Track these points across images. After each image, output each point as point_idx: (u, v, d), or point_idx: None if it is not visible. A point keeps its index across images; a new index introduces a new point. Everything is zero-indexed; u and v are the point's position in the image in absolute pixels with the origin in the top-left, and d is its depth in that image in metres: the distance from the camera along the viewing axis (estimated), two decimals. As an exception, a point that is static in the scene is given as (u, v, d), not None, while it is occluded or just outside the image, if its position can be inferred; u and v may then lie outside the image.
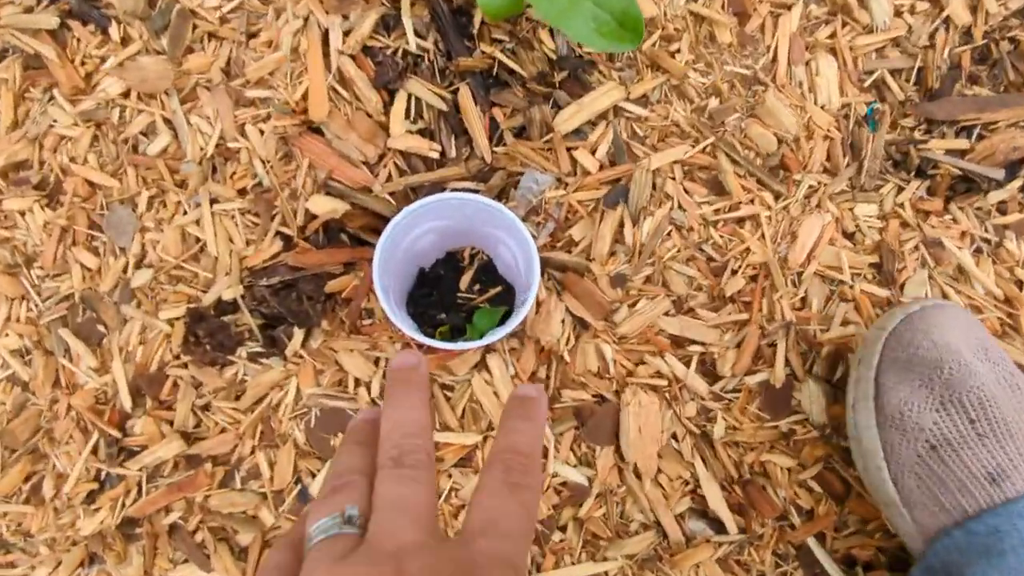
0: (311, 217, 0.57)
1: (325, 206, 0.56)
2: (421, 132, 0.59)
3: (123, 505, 0.57)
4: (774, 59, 0.59)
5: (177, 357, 0.57)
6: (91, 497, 0.57)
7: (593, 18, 0.52)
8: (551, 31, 0.60)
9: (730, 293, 0.57)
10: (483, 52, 0.59)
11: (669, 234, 0.57)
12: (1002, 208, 0.58)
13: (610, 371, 0.57)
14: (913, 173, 0.60)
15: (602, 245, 0.56)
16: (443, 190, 0.59)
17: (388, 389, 0.30)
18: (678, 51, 0.60)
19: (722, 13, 0.59)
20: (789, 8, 0.60)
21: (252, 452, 0.58)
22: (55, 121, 0.57)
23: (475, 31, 0.59)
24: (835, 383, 0.57)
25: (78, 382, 0.57)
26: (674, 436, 0.58)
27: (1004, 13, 0.59)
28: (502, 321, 0.60)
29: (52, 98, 0.58)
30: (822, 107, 0.59)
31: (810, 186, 0.58)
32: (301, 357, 0.57)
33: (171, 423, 0.57)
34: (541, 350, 0.57)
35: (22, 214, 0.58)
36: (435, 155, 0.59)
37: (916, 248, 0.59)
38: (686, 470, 0.58)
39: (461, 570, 0.23)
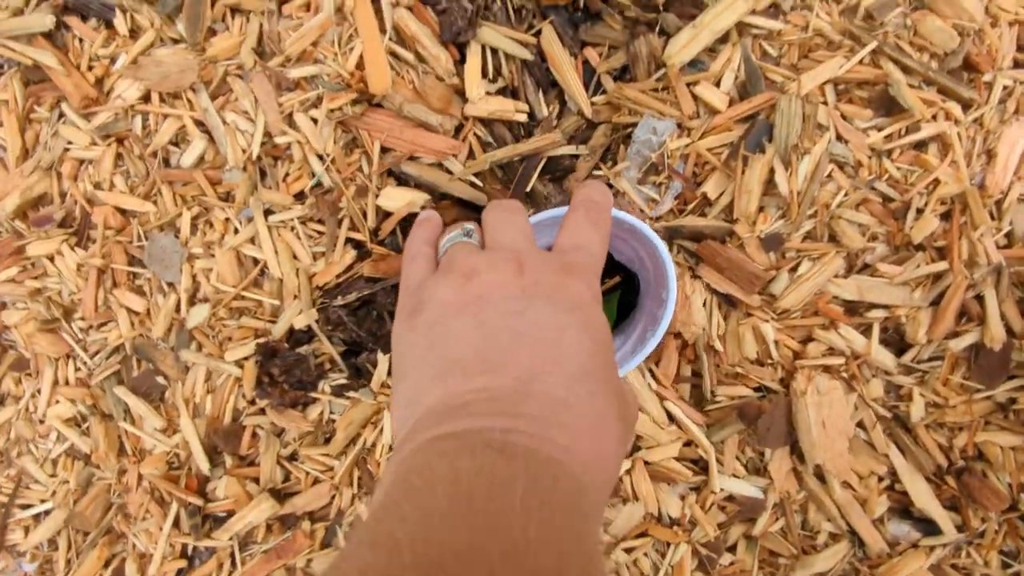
0: (385, 215, 0.47)
1: (400, 199, 0.46)
2: (502, 91, 0.49)
3: (219, 580, 0.49)
4: (937, -68, 0.46)
5: (252, 403, 0.49)
6: (182, 574, 0.49)
7: None
8: None
9: (918, 239, 0.46)
10: None
11: (830, 175, 0.46)
12: None
13: (772, 356, 0.46)
14: None
15: (747, 200, 0.45)
16: (537, 163, 0.48)
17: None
18: (810, -60, 0.47)
19: None
20: None
21: (352, 502, 0.49)
22: (70, 143, 0.49)
23: None
24: (1070, 334, 0.45)
25: (145, 447, 0.50)
26: (860, 424, 0.47)
27: None
28: (620, 311, 0.49)
29: (62, 115, 0.49)
30: None
31: (1005, 87, 0.46)
32: (389, 388, 0.47)
33: (257, 481, 0.49)
34: (684, 345, 0.46)
35: (51, 259, 0.49)
36: (522, 117, 0.48)
37: None
38: (880, 464, 0.47)
39: (562, 267, 0.31)
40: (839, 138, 0.48)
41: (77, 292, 0.52)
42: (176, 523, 0.51)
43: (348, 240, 0.51)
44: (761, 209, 0.49)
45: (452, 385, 0.27)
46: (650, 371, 0.50)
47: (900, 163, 0.48)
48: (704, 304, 0.49)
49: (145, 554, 0.52)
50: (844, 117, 0.49)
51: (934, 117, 0.48)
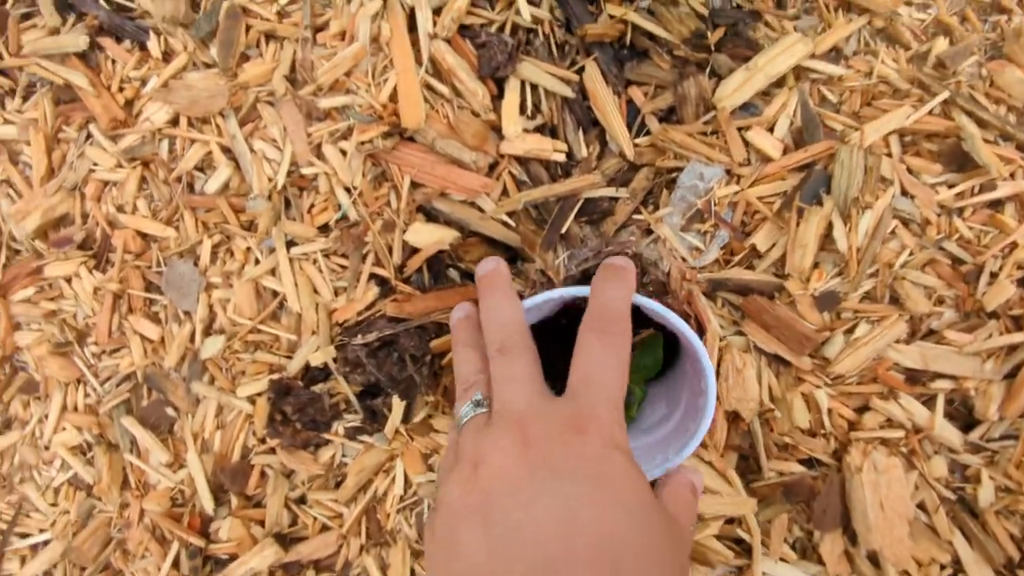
0: (412, 252, 0.45)
1: (429, 236, 0.44)
2: (540, 129, 0.46)
3: (215, 629, 0.46)
4: (1019, -24, 0.43)
5: (263, 441, 0.46)
6: (176, 622, 0.46)
7: None
8: None
9: (992, 306, 0.41)
10: (611, 16, 0.45)
11: (894, 232, 0.42)
12: None
13: (825, 425, 0.42)
14: None
15: (801, 255, 0.41)
16: (574, 204, 0.45)
17: (480, 294, 0.39)
18: (878, -19, 0.44)
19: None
20: None
21: (360, 553, 0.46)
22: (95, 164, 0.47)
23: None
24: None
25: (150, 481, 0.47)
26: (920, 506, 0.42)
27: None
28: (665, 356, 0.45)
29: (89, 136, 0.48)
30: None
31: None
32: (402, 435, 0.45)
33: (262, 524, 0.46)
34: (734, 417, 0.42)
35: (68, 281, 0.48)
36: (560, 157, 0.45)
37: None
38: (943, 552, 0.43)
39: (572, 424, 0.30)
40: (904, 193, 0.45)
41: (92, 316, 0.50)
42: (176, 564, 0.49)
43: (372, 276, 0.48)
44: (816, 265, 0.45)
45: None
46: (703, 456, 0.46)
47: (973, 223, 0.44)
48: (758, 374, 0.45)
49: (141, 597, 0.49)
50: (910, 171, 0.45)
51: (1012, 175, 0.44)
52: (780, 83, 0.47)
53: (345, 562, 0.48)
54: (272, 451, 0.49)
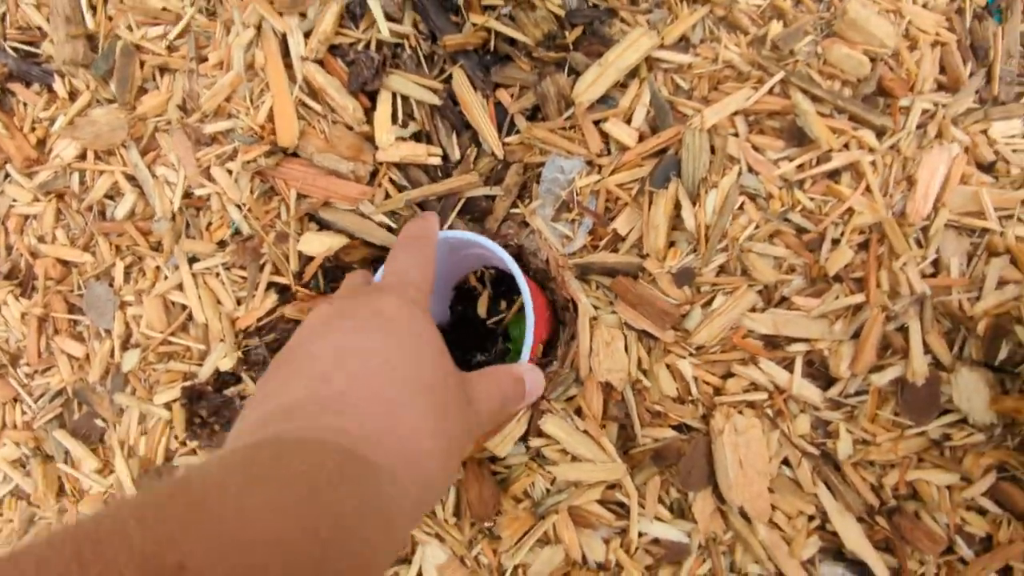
0: (307, 260, 0.48)
1: (320, 244, 0.47)
2: (416, 136, 0.49)
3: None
4: (846, -44, 0.45)
5: (184, 443, 0.50)
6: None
7: None
8: None
9: (835, 271, 0.44)
10: (474, 25, 0.48)
11: (742, 207, 0.45)
12: None
13: (692, 392, 0.45)
14: None
15: (656, 235, 0.44)
16: (456, 203, 0.48)
17: (395, 247, 0.38)
18: (716, -30, 0.46)
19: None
20: None
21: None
22: (15, 200, 0.51)
23: (460, 1, 0.47)
24: (999, 366, 0.42)
25: (83, 487, 0.50)
26: (786, 462, 0.46)
27: None
28: None
29: (7, 175, 0.52)
30: (923, 5, 0.44)
31: (924, 111, 0.45)
32: None
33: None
34: (606, 388, 0.45)
35: (-2, 309, 0.51)
36: (436, 160, 0.48)
37: None
38: (808, 503, 0.45)
39: (375, 286, 0.37)
40: (750, 170, 0.47)
41: (22, 339, 0.54)
42: (111, 563, 0.52)
43: (272, 284, 0.51)
44: (672, 244, 0.47)
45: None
46: (577, 412, 0.49)
47: (813, 193, 0.46)
48: (625, 347, 0.48)
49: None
50: (756, 149, 0.47)
51: (846, 146, 0.46)
52: (634, 74, 0.50)
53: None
54: (194, 452, 0.53)
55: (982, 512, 0.45)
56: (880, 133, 0.46)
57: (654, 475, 0.47)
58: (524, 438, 0.49)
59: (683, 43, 0.50)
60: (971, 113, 0.46)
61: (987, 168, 0.46)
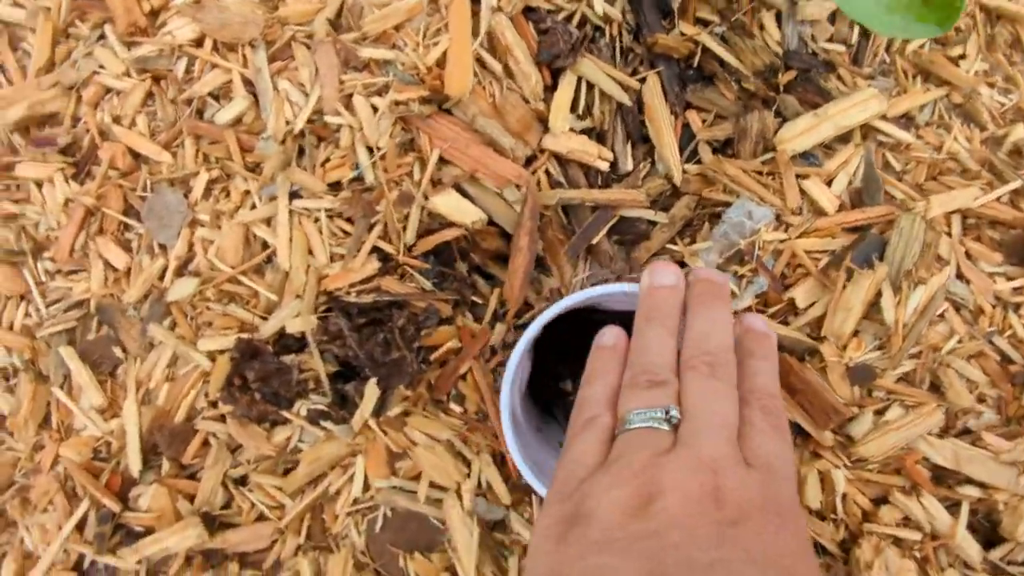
0: (424, 232, 0.40)
1: (460, 212, 0.40)
2: (588, 132, 0.42)
3: (107, 610, 0.39)
4: (1106, 81, 0.40)
5: (214, 405, 0.41)
6: (65, 592, 0.39)
7: None
8: (778, 16, 0.42)
9: (1035, 414, 0.37)
10: (683, 34, 0.42)
11: (942, 315, 0.38)
12: None
13: (837, 510, 0.37)
14: None
15: (843, 319, 0.38)
16: (609, 218, 0.41)
17: (694, 301, 0.31)
18: (962, 56, 0.42)
19: (1036, 9, 0.41)
20: None
21: (296, 554, 0.40)
22: (102, 67, 0.43)
23: (676, 4, 0.41)
24: None
25: (74, 425, 0.41)
26: None
27: None
28: None
29: (103, 37, 0.43)
30: None
31: None
32: (371, 430, 0.39)
33: (192, 499, 0.40)
34: None
35: (39, 185, 0.43)
36: (604, 165, 0.41)
37: None
38: (940, 676, 0.37)
39: (770, 503, 0.24)
40: (960, 276, 0.41)
41: (56, 229, 0.44)
42: (80, 526, 0.42)
43: (375, 249, 0.43)
44: (855, 333, 0.41)
45: None
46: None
47: (1027, 320, 0.41)
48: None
49: (31, 555, 0.42)
50: (968, 255, 0.42)
51: (1076, 280, 0.41)
52: (845, 138, 0.44)
53: (276, 561, 0.42)
54: (222, 419, 0.43)
55: None
56: (1115, 277, 0.41)
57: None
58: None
59: (905, 120, 0.45)
60: None
61: None
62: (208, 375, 0.43)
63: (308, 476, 0.42)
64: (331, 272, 0.43)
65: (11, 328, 0.44)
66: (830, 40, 0.45)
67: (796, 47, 0.46)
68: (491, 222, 0.43)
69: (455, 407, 0.42)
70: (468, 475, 0.41)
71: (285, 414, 0.43)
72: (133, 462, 0.42)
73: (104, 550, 0.41)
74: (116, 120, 0.45)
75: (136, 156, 0.45)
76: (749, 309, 0.42)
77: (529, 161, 0.44)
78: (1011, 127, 0.43)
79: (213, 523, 0.42)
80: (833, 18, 0.45)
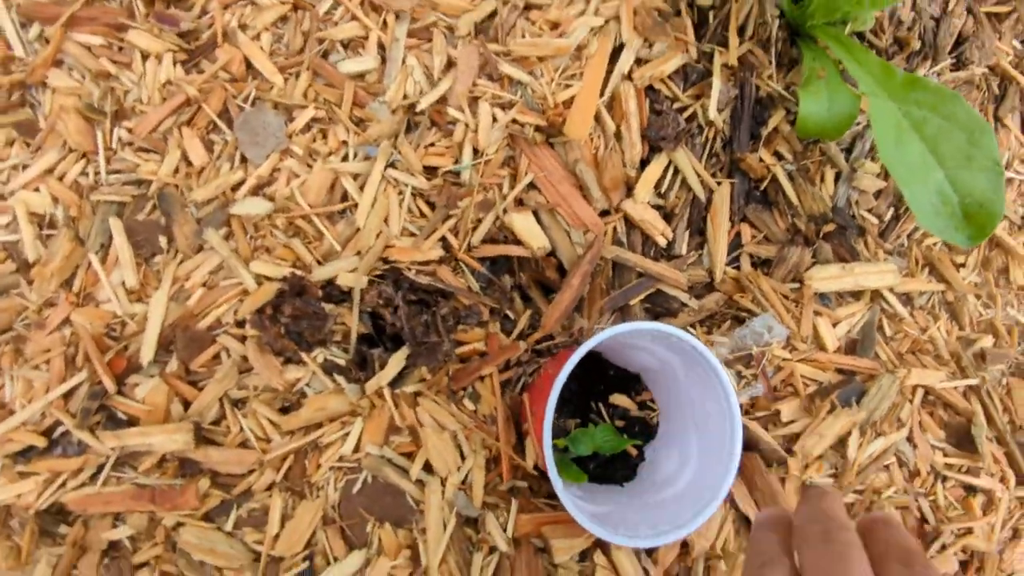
0: (489, 239, 0.44)
1: (530, 232, 0.43)
2: (659, 209, 0.47)
3: (64, 485, 0.38)
4: (1057, 326, 0.50)
5: (240, 325, 0.41)
6: (25, 455, 0.38)
7: (938, 192, 0.41)
8: (838, 176, 0.49)
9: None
10: (762, 160, 0.48)
11: (887, 466, 0.45)
12: None
13: (757, 600, 0.42)
14: None
15: (815, 442, 0.44)
16: (650, 286, 0.47)
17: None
18: (963, 265, 0.50)
19: (1023, 250, 0.50)
20: None
21: (268, 490, 0.41)
22: (249, -26, 0.43)
23: (766, 132, 0.48)
24: None
25: (97, 296, 0.40)
26: None
27: None
28: (616, 460, 0.47)
29: (261, -53, 0.43)
30: None
31: None
32: (382, 398, 0.41)
33: (187, 405, 0.40)
34: (683, 547, 0.42)
35: (145, 57, 0.43)
36: (663, 241, 0.46)
37: None
38: None
39: None
40: (910, 439, 0.49)
41: (145, 104, 0.44)
42: (68, 396, 0.41)
43: (442, 239, 0.46)
44: (819, 457, 0.47)
45: None
46: (651, 558, 0.45)
47: (950, 494, 0.48)
48: (721, 522, 0.46)
49: (7, 406, 0.40)
50: (921, 425, 0.49)
51: (995, 475, 0.49)
52: (858, 295, 0.51)
53: (248, 490, 0.42)
54: (242, 339, 0.43)
55: None
56: (1021, 482, 0.49)
57: (685, 659, 0.44)
58: (584, 554, 0.44)
59: (906, 298, 0.52)
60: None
61: (1065, 561, 0.50)
62: (246, 294, 0.43)
63: (306, 421, 0.43)
64: (399, 244, 0.45)
65: (62, 180, 0.43)
66: (869, 211, 0.53)
67: (843, 206, 0.53)
68: (552, 254, 0.47)
69: (468, 404, 0.45)
70: (459, 468, 0.44)
71: (304, 356, 0.44)
72: (146, 350, 0.41)
73: (85, 426, 0.40)
74: (243, 27, 0.46)
75: (250, 68, 0.45)
76: (741, 408, 0.48)
77: (604, 214, 0.48)
78: (982, 336, 0.51)
79: (200, 435, 0.42)
80: (878, 195, 0.53)
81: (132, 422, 0.42)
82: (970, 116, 0.45)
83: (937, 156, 0.45)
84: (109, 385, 0.41)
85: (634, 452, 0.50)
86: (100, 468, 0.41)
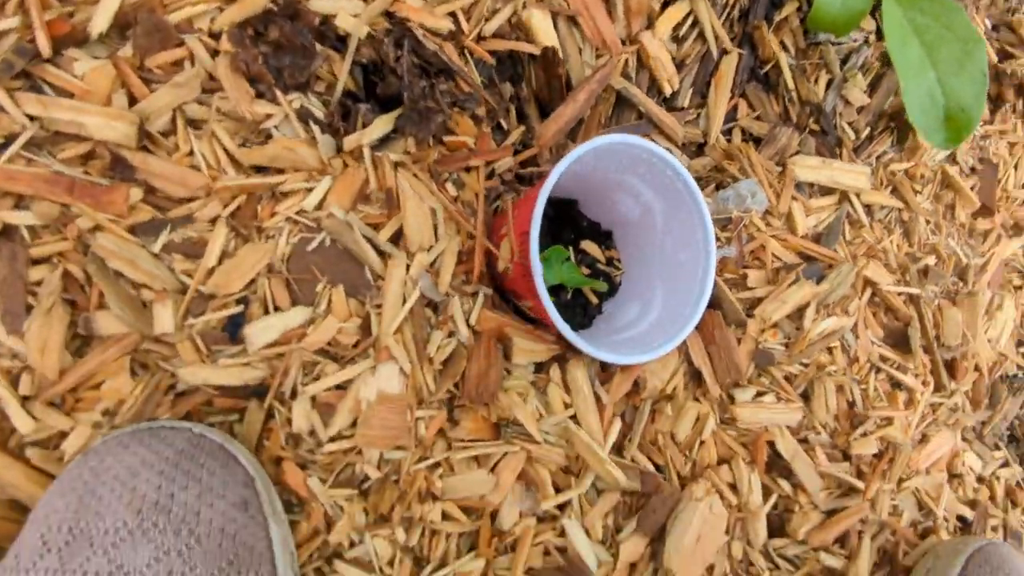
0: (500, 33, 0.43)
1: (544, 34, 0.41)
2: (673, 56, 0.46)
3: (-41, 146, 0.32)
4: (984, 267, 0.54)
5: (216, 37, 0.36)
6: (-84, 96, 0.31)
7: (928, 93, 0.44)
8: (831, 82, 0.51)
9: (853, 452, 0.46)
10: (770, 41, 0.49)
11: (831, 351, 0.46)
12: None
13: (695, 450, 0.42)
14: (1019, 461, 0.55)
15: (775, 308, 0.45)
16: (647, 131, 0.46)
17: None
18: (919, 192, 0.53)
19: (971, 193, 0.54)
20: (1010, 237, 0.56)
21: (212, 222, 0.36)
22: None
23: (777, 17, 0.49)
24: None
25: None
26: (710, 569, 0.43)
27: None
28: (575, 308, 0.46)
29: None
30: (988, 340, 0.54)
31: (956, 404, 0.51)
32: (359, 158, 0.38)
33: (134, 102, 0.34)
34: (635, 385, 0.41)
35: None
36: (668, 89, 0.47)
37: (995, 529, 0.51)
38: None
39: None
40: (854, 330, 0.50)
41: None
42: (-12, 41, 0.33)
43: (454, 16, 0.42)
44: (775, 326, 0.48)
45: None
46: (597, 382, 0.43)
47: (880, 384, 0.50)
48: (673, 371, 0.45)
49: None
50: (865, 321, 0.51)
51: (918, 377, 0.52)
52: (830, 192, 0.53)
53: (188, 216, 0.36)
54: (214, 53, 0.38)
55: None
56: (938, 389, 0.52)
57: (616, 491, 0.42)
58: (540, 366, 0.42)
59: (870, 207, 0.54)
60: (971, 431, 0.55)
61: (954, 476, 0.54)
62: (231, 2, 0.38)
63: (269, 160, 0.38)
64: (411, 2, 0.41)
65: None
66: (850, 124, 0.55)
67: (828, 112, 0.54)
68: (562, 64, 0.45)
69: (451, 189, 0.41)
70: (430, 248, 0.40)
71: (278, 93, 0.39)
72: (99, 20, 0.35)
73: (12, 73, 0.33)
74: None
75: None
76: (711, 265, 0.47)
77: (622, 42, 0.46)
78: (927, 256, 0.54)
79: (143, 139, 0.36)
80: (860, 110, 0.55)
81: (70, 97, 0.35)
82: (967, 29, 0.47)
83: (932, 60, 0.48)
84: (44, 46, 0.34)
85: (594, 300, 0.48)
86: (11, 139, 0.34)
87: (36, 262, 0.34)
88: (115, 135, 0.35)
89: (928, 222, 0.55)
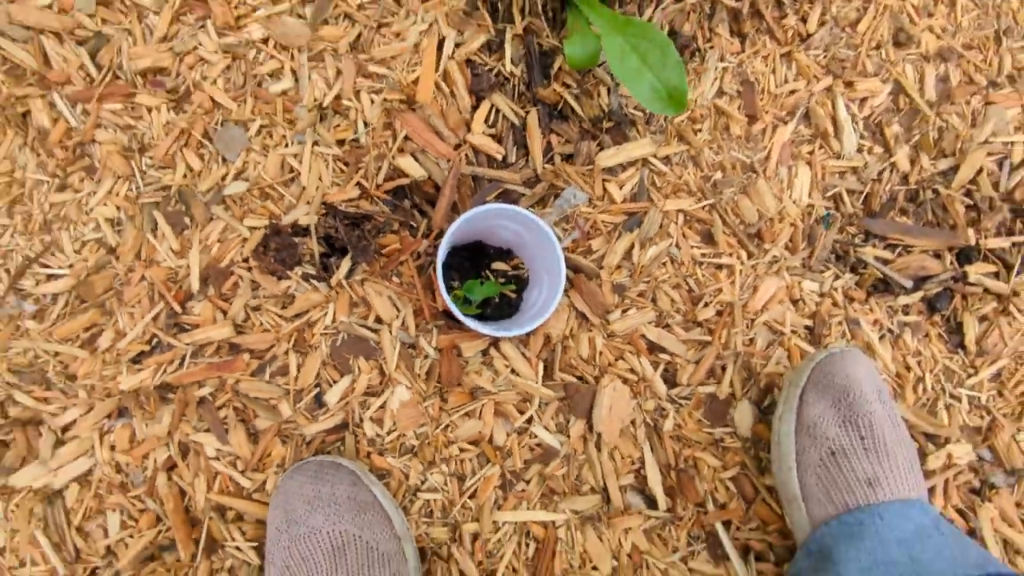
0: (388, 178, 0.70)
1: (414, 168, 0.69)
2: (493, 136, 0.73)
3: (165, 371, 0.65)
4: (767, 156, 0.77)
5: (246, 260, 0.67)
6: (139, 358, 0.65)
7: (651, 86, 0.68)
8: (609, 90, 0.76)
9: (701, 319, 0.72)
10: (555, 90, 0.74)
11: (664, 264, 0.72)
12: (906, 310, 0.76)
13: (596, 359, 0.70)
14: (848, 268, 0.78)
15: (612, 258, 0.71)
16: (500, 187, 0.72)
17: None
18: (699, 131, 0.77)
19: (738, 113, 0.77)
20: (785, 123, 0.78)
21: (286, 353, 0.67)
22: (200, 44, 0.69)
23: (554, 72, 0.74)
24: (763, 408, 0.71)
25: (157, 259, 0.66)
26: (632, 423, 0.71)
27: (933, 170, 0.79)
28: (504, 304, 0.73)
29: (203, 26, 0.69)
30: (794, 201, 0.77)
31: (774, 256, 0.75)
32: (342, 287, 0.68)
33: (225, 313, 0.66)
34: (546, 337, 0.69)
35: (150, 110, 0.68)
36: (499, 156, 0.73)
37: (840, 323, 0.75)
38: (636, 451, 0.70)
39: None
40: (676, 245, 0.76)
41: (156, 140, 0.70)
42: (155, 318, 0.67)
43: (358, 184, 0.72)
44: (618, 267, 0.74)
45: None
46: (522, 348, 0.72)
47: (705, 272, 0.76)
48: (567, 319, 0.73)
49: (122, 331, 0.67)
50: (683, 235, 0.77)
51: (731, 254, 0.76)
52: (633, 163, 0.78)
53: (273, 356, 0.69)
54: (249, 269, 0.70)
55: (727, 488, 0.73)
56: (750, 255, 0.77)
57: (555, 400, 0.71)
58: (485, 351, 0.72)
59: (666, 159, 0.79)
60: (795, 269, 0.79)
61: (793, 301, 0.78)
62: (245, 241, 0.70)
63: (298, 310, 0.70)
64: (331, 192, 0.71)
65: (118, 195, 0.69)
66: (635, 108, 0.79)
67: (616, 108, 0.79)
68: (430, 178, 0.73)
69: (395, 280, 0.72)
70: (397, 316, 0.70)
71: (289, 273, 0.70)
72: (193, 284, 0.68)
73: (169, 333, 0.67)
74: (204, 78, 0.71)
75: (215, 103, 0.71)
76: (566, 249, 0.75)
77: (457, 147, 0.74)
78: (715, 172, 0.78)
79: (237, 329, 0.69)
80: (637, 97, 0.79)
81: (197, 326, 0.68)
82: (661, 38, 0.71)
83: (647, 64, 0.72)
84: (177, 308, 0.67)
85: (512, 295, 0.77)
86: (184, 357, 0.67)
87: (219, 408, 0.68)
88: (224, 334, 0.68)
89: (711, 150, 0.79)
